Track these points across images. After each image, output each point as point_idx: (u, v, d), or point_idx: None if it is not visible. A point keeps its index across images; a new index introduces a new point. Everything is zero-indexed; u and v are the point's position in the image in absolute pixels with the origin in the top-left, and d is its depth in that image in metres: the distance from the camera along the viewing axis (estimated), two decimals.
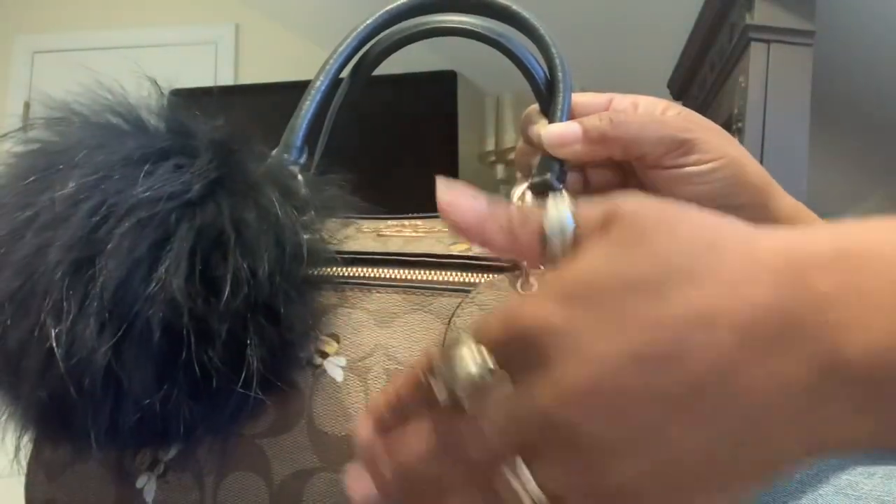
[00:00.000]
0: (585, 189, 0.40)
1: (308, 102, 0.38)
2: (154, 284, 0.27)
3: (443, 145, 2.01)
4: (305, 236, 0.31)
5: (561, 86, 0.36)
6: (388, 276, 0.34)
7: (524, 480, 0.21)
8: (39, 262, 0.27)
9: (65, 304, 0.26)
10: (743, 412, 0.18)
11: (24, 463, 0.33)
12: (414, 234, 0.36)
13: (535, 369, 0.20)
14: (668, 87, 1.64)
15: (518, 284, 0.32)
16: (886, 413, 0.18)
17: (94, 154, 0.29)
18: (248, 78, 2.51)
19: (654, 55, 1.61)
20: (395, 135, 2.06)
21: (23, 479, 0.34)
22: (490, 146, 2.14)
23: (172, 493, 0.31)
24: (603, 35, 1.68)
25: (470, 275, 0.33)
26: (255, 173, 0.31)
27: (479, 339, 0.22)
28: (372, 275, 0.34)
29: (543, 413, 0.20)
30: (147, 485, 0.30)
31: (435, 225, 0.36)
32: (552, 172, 0.35)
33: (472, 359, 0.21)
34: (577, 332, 0.20)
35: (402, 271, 0.34)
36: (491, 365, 0.21)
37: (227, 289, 0.27)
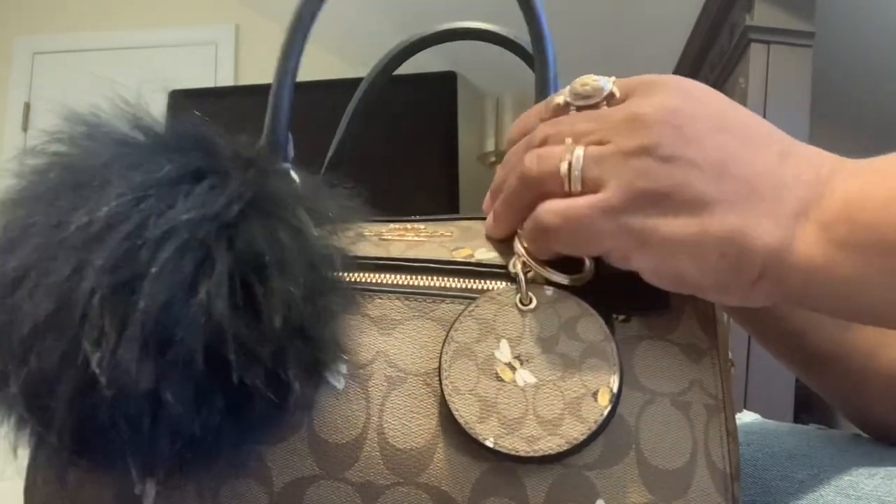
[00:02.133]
0: None
1: (279, 100, 0.38)
2: (196, 308, 0.26)
3: (442, 146, 2.01)
4: (335, 255, 0.31)
5: (544, 56, 0.38)
6: (389, 281, 0.33)
7: (576, 155, 0.30)
8: (75, 285, 0.26)
9: (104, 328, 0.26)
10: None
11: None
12: (416, 239, 0.35)
13: (646, 96, 0.30)
14: None
15: (518, 299, 0.32)
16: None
17: (128, 173, 0.28)
18: (248, 78, 2.51)
19: (654, 55, 1.61)
20: (395, 135, 2.07)
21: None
22: (490, 147, 2.14)
23: (171, 499, 0.31)
24: (603, 35, 1.68)
25: (473, 281, 0.33)
26: (282, 191, 0.31)
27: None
28: (373, 280, 0.33)
29: (633, 113, 0.30)
30: (146, 490, 0.30)
31: (437, 229, 0.36)
32: None
33: (600, 78, 0.32)
34: (684, 90, 0.30)
35: (403, 277, 0.33)
36: (611, 83, 0.32)
37: (269, 311, 0.27)
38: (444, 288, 0.33)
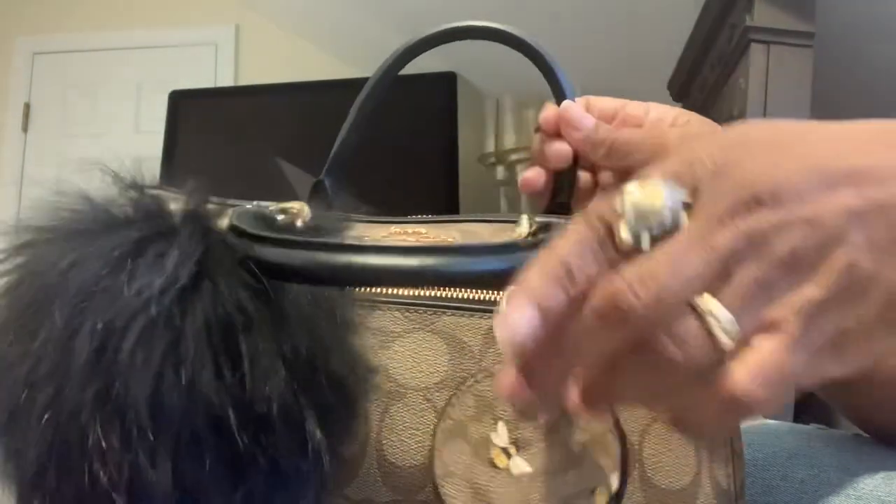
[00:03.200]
0: (595, 189, 0.41)
1: None
2: (184, 391, 0.25)
3: (442, 147, 2.01)
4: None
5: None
6: (389, 292, 0.32)
7: (717, 314, 0.20)
8: (61, 410, 0.25)
9: (104, 443, 0.24)
10: None
11: None
12: (417, 244, 0.34)
13: (741, 200, 0.20)
14: (668, 88, 1.64)
15: None
16: None
17: (68, 273, 0.26)
18: (248, 79, 2.51)
19: (654, 56, 1.61)
20: (394, 136, 2.06)
21: None
22: (490, 148, 2.14)
23: None
24: (603, 36, 1.68)
25: (475, 292, 0.32)
26: (229, 241, 0.28)
27: (664, 174, 0.21)
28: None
29: (757, 228, 0.20)
30: None
31: (439, 233, 0.35)
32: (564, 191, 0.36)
33: (663, 187, 0.21)
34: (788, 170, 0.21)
35: (403, 287, 0.32)
36: (684, 196, 0.21)
37: (258, 368, 0.25)
38: (445, 299, 0.32)
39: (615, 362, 0.22)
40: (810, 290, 0.21)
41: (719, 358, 0.21)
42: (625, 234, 0.21)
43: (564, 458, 0.29)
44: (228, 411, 0.25)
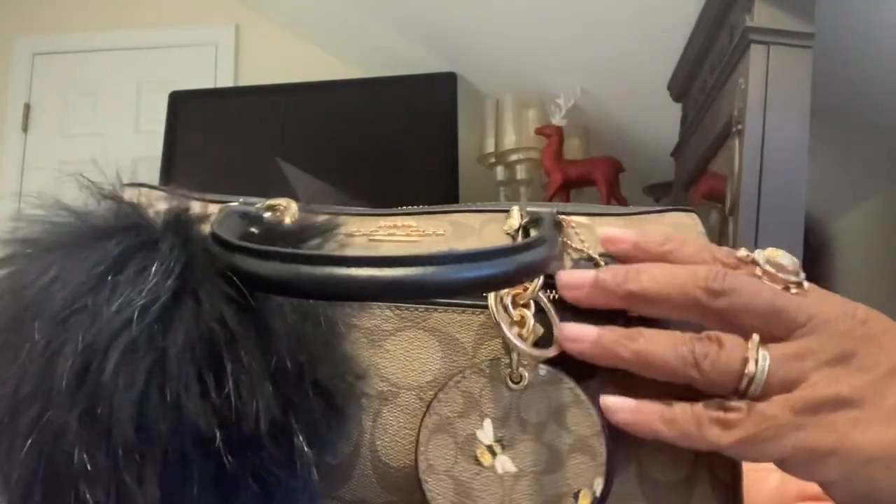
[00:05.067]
0: None
1: None
2: (169, 411, 0.24)
3: (442, 147, 2.01)
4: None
5: None
6: None
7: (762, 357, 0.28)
8: (46, 432, 0.24)
9: (90, 465, 0.24)
10: None
11: None
12: (408, 240, 0.33)
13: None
14: (668, 88, 1.64)
15: (508, 375, 0.30)
16: None
17: (49, 289, 0.25)
18: (248, 79, 2.51)
19: (654, 56, 1.61)
20: (394, 136, 2.06)
21: None
22: (490, 148, 2.14)
23: None
24: (603, 36, 1.68)
25: None
26: (211, 249, 0.27)
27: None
28: None
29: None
30: None
31: (429, 226, 0.34)
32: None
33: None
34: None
35: (385, 301, 0.31)
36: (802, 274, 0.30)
37: (244, 384, 0.25)
38: None
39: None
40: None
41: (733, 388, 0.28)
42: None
43: (550, 459, 0.29)
44: (215, 430, 0.24)
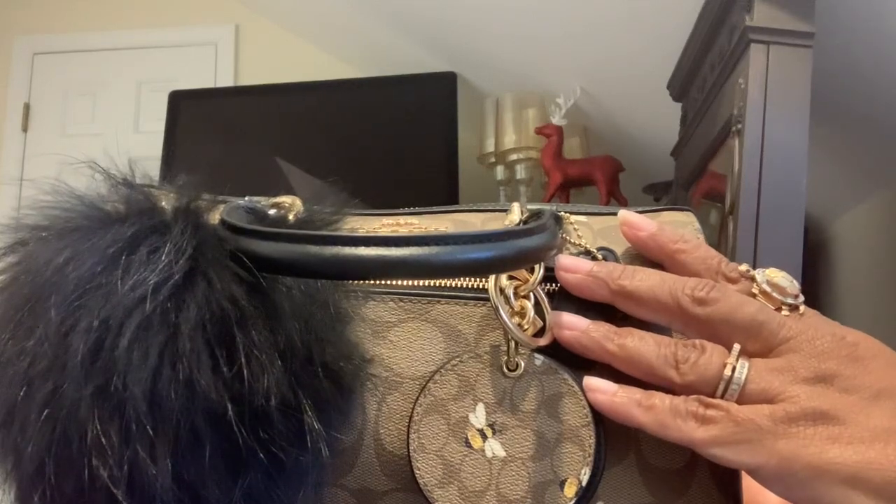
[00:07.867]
0: None
1: None
2: (182, 386, 0.25)
3: (442, 146, 2.01)
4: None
5: None
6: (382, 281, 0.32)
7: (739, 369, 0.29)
8: (59, 407, 0.25)
9: (103, 439, 0.24)
10: None
11: None
12: (407, 235, 0.34)
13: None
14: (668, 88, 1.64)
15: (504, 362, 0.31)
16: None
17: (63, 270, 0.26)
18: (247, 79, 2.51)
19: (653, 56, 1.61)
20: (394, 135, 2.06)
21: None
22: (490, 147, 2.14)
23: None
24: (603, 35, 1.68)
25: (469, 279, 0.32)
26: (220, 232, 0.28)
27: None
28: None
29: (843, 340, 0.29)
30: None
31: (431, 224, 0.35)
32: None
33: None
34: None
35: (392, 279, 0.32)
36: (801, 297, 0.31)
37: (254, 361, 0.25)
38: (440, 287, 0.32)
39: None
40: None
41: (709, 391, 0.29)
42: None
43: (539, 447, 0.30)
44: (227, 405, 0.25)
